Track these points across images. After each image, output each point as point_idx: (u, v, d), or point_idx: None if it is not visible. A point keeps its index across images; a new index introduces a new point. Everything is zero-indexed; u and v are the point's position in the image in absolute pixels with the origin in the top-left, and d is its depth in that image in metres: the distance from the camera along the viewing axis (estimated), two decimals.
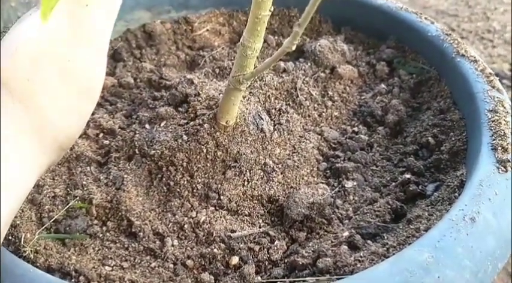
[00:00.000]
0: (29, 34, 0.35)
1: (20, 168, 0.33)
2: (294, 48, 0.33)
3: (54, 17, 0.36)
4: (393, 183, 0.44)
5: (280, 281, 0.37)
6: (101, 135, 0.50)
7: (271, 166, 0.45)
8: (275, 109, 0.50)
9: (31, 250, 0.37)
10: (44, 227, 0.40)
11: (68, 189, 0.43)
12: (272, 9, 0.36)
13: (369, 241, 0.38)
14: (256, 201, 0.44)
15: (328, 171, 0.47)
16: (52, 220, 0.41)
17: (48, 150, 0.36)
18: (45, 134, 0.35)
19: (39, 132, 0.35)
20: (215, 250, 0.39)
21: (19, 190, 0.33)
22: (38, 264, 0.37)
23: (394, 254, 0.34)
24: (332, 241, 0.39)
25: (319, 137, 0.50)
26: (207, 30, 0.65)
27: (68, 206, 0.42)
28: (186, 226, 0.41)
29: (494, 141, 0.40)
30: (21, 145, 0.33)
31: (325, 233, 0.41)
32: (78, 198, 0.42)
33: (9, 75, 0.34)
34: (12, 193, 0.32)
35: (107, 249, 0.40)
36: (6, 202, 0.31)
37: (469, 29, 1.35)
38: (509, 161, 0.38)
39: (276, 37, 0.63)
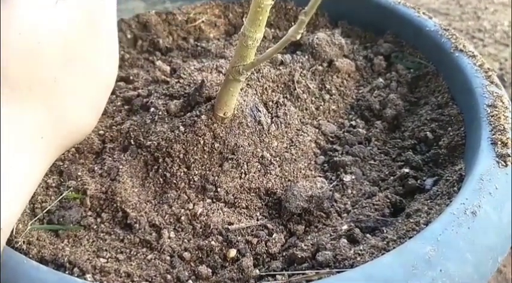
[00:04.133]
0: (50, 24, 0.33)
1: (28, 171, 0.32)
2: (298, 37, 0.32)
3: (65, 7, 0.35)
4: (392, 177, 0.44)
5: (279, 274, 0.36)
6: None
7: (269, 159, 0.45)
8: (272, 101, 0.50)
9: (23, 241, 0.36)
10: (36, 218, 0.39)
11: (62, 180, 0.42)
12: None
13: (368, 235, 0.38)
14: (253, 194, 0.43)
15: (325, 165, 0.47)
16: (45, 211, 0.40)
17: (61, 147, 0.35)
18: (62, 131, 0.34)
19: (56, 130, 0.33)
20: (212, 242, 0.39)
21: (26, 191, 0.32)
22: (31, 255, 0.36)
23: (394, 248, 0.34)
24: (331, 235, 0.38)
25: (317, 130, 0.50)
26: (203, 21, 0.64)
27: (61, 197, 0.41)
28: (182, 218, 0.40)
29: (493, 136, 0.40)
30: (35, 146, 0.32)
31: (324, 226, 0.40)
32: (72, 188, 0.41)
33: (32, 75, 0.32)
34: (18, 193, 0.31)
35: (101, 241, 0.39)
36: (11, 203, 0.30)
37: (459, 28, 1.36)
38: (509, 156, 0.38)
39: (273, 30, 0.63)
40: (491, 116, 0.42)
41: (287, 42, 0.33)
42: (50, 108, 0.32)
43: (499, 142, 0.39)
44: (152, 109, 0.47)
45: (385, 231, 0.38)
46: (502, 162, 0.38)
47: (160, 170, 0.43)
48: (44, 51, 0.32)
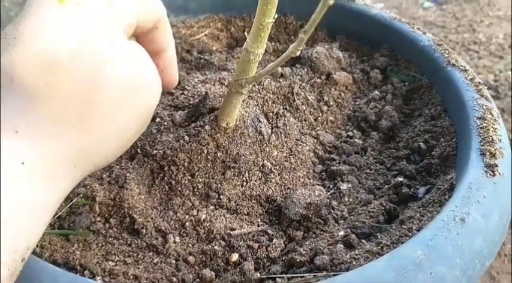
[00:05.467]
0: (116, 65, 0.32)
1: (58, 194, 0.32)
2: (298, 53, 0.34)
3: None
4: (386, 186, 0.46)
5: (279, 277, 0.38)
6: None
7: (269, 167, 0.47)
8: (273, 112, 0.52)
9: (37, 245, 0.38)
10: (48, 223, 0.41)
11: None
12: (276, 16, 0.38)
13: (363, 241, 0.40)
14: (254, 201, 0.45)
15: (323, 174, 0.49)
16: (56, 216, 0.42)
17: (88, 172, 0.34)
18: (95, 161, 0.33)
19: (89, 159, 0.33)
20: (216, 247, 0.41)
21: (53, 210, 0.32)
22: (44, 258, 0.38)
23: (387, 252, 0.36)
24: (328, 240, 0.40)
25: (315, 140, 0.52)
26: (205, 35, 0.66)
27: (71, 203, 0.43)
28: (187, 224, 0.42)
29: (482, 147, 0.42)
30: (67, 172, 0.32)
31: (322, 232, 0.42)
32: (81, 195, 0.43)
33: (85, 111, 0.31)
34: (47, 213, 0.31)
35: (110, 245, 0.41)
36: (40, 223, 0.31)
37: (455, 40, 1.39)
38: (496, 166, 0.40)
39: (273, 43, 0.65)
40: (481, 128, 0.44)
41: (287, 58, 0.35)
42: (89, 142, 0.32)
43: (488, 153, 0.42)
44: (158, 119, 0.50)
45: (379, 236, 0.40)
46: (490, 172, 0.40)
47: (166, 178, 0.45)
48: (104, 94, 0.32)
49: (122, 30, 0.34)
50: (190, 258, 0.40)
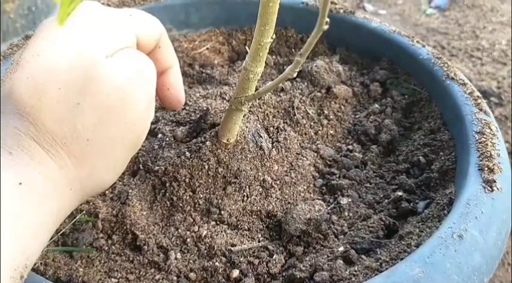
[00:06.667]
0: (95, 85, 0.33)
1: (55, 216, 0.32)
2: (295, 75, 0.35)
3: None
4: (386, 200, 0.46)
5: None
6: None
7: (270, 182, 0.47)
8: (273, 127, 0.52)
9: (40, 263, 0.39)
10: (51, 240, 0.42)
11: None
12: (274, 36, 0.38)
13: (363, 256, 0.40)
14: (255, 216, 0.46)
15: (324, 188, 0.49)
16: (60, 233, 0.43)
17: (83, 198, 0.35)
18: (88, 186, 0.34)
19: (83, 184, 0.34)
20: (216, 263, 0.41)
21: (51, 229, 0.33)
22: (48, 276, 0.38)
23: (386, 269, 0.36)
24: (328, 256, 0.41)
25: (315, 154, 0.52)
26: (207, 48, 0.67)
27: (74, 220, 0.43)
28: (188, 240, 0.43)
29: (481, 162, 0.43)
30: (63, 195, 0.33)
31: (322, 248, 0.43)
32: (84, 212, 0.44)
33: (69, 133, 0.32)
34: (45, 232, 0.32)
35: (112, 262, 0.41)
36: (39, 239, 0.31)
37: (458, 47, 1.39)
38: (494, 181, 0.41)
39: (274, 56, 0.65)
40: (479, 143, 0.44)
41: (284, 79, 0.36)
42: (80, 166, 0.33)
43: (486, 168, 0.42)
44: (160, 135, 0.50)
45: (378, 252, 0.40)
46: (488, 188, 0.40)
47: (167, 194, 0.46)
48: (84, 113, 0.33)
49: (115, 51, 0.35)
50: (192, 275, 0.41)
